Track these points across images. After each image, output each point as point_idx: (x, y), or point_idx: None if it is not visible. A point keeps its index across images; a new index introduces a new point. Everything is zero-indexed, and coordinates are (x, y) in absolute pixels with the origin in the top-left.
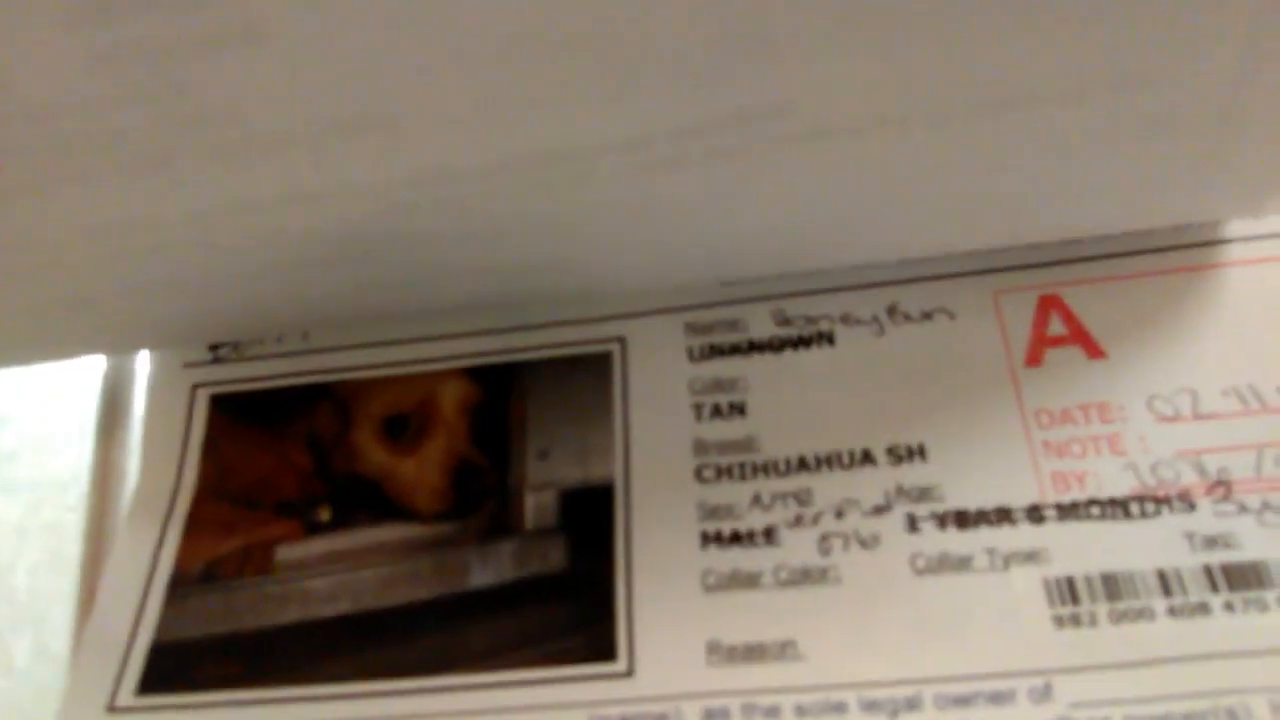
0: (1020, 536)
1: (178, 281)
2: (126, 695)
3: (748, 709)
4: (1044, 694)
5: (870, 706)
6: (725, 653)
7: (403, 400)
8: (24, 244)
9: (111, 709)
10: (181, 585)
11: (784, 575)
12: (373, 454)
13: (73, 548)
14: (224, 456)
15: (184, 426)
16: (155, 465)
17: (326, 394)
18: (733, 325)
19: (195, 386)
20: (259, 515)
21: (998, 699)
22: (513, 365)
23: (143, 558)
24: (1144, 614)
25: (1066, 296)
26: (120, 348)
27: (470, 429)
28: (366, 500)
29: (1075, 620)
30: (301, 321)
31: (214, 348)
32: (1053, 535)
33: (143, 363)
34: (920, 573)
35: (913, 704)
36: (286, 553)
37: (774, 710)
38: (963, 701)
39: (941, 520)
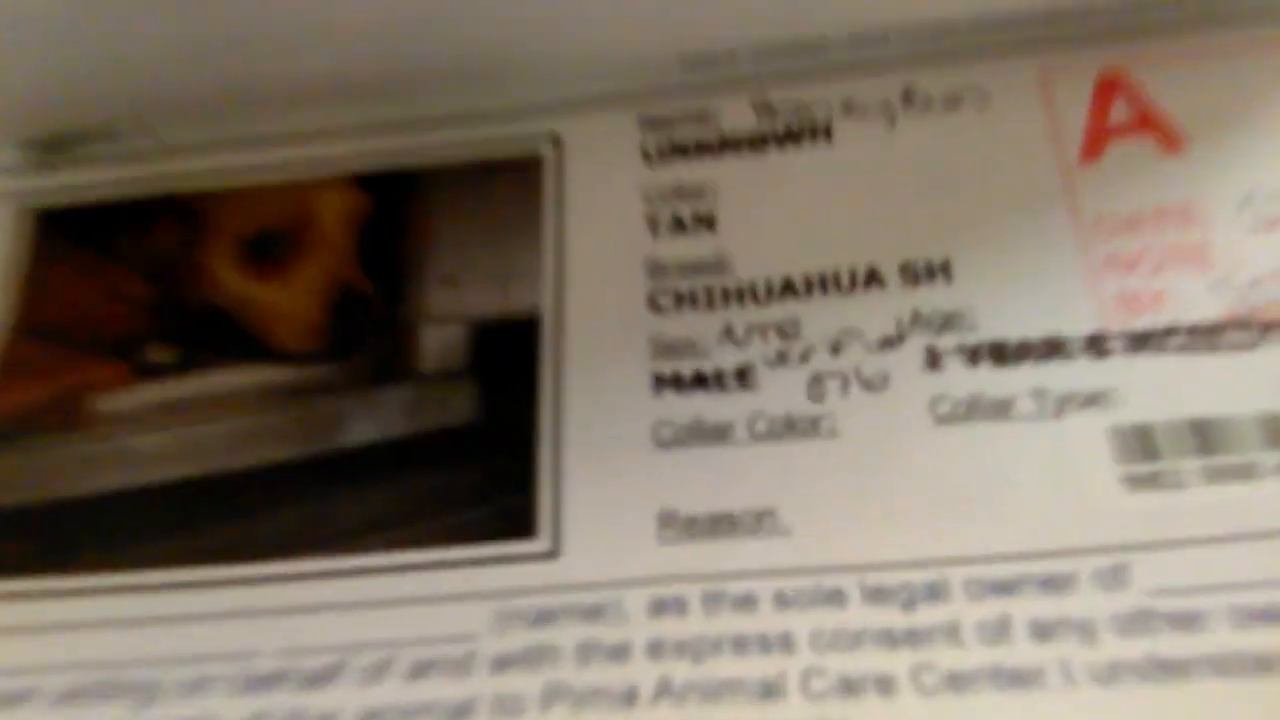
0: (1078, 374)
1: None
2: None
3: (712, 599)
4: (1115, 577)
5: (877, 595)
6: (682, 526)
7: (272, 213)
8: None
9: None
10: None
11: (762, 427)
12: (229, 279)
13: None
14: (45, 284)
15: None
16: None
17: (174, 207)
18: (701, 118)
19: (15, 198)
20: (77, 356)
21: (1052, 585)
22: (414, 171)
23: None
24: (1245, 473)
25: (1134, 75)
26: None
27: (357, 248)
28: (218, 337)
29: (1154, 481)
30: (142, 105)
31: (38, 149)
32: (1121, 372)
33: None
34: (944, 421)
35: (935, 591)
36: (109, 403)
37: (747, 600)
38: (1003, 588)
39: (973, 354)
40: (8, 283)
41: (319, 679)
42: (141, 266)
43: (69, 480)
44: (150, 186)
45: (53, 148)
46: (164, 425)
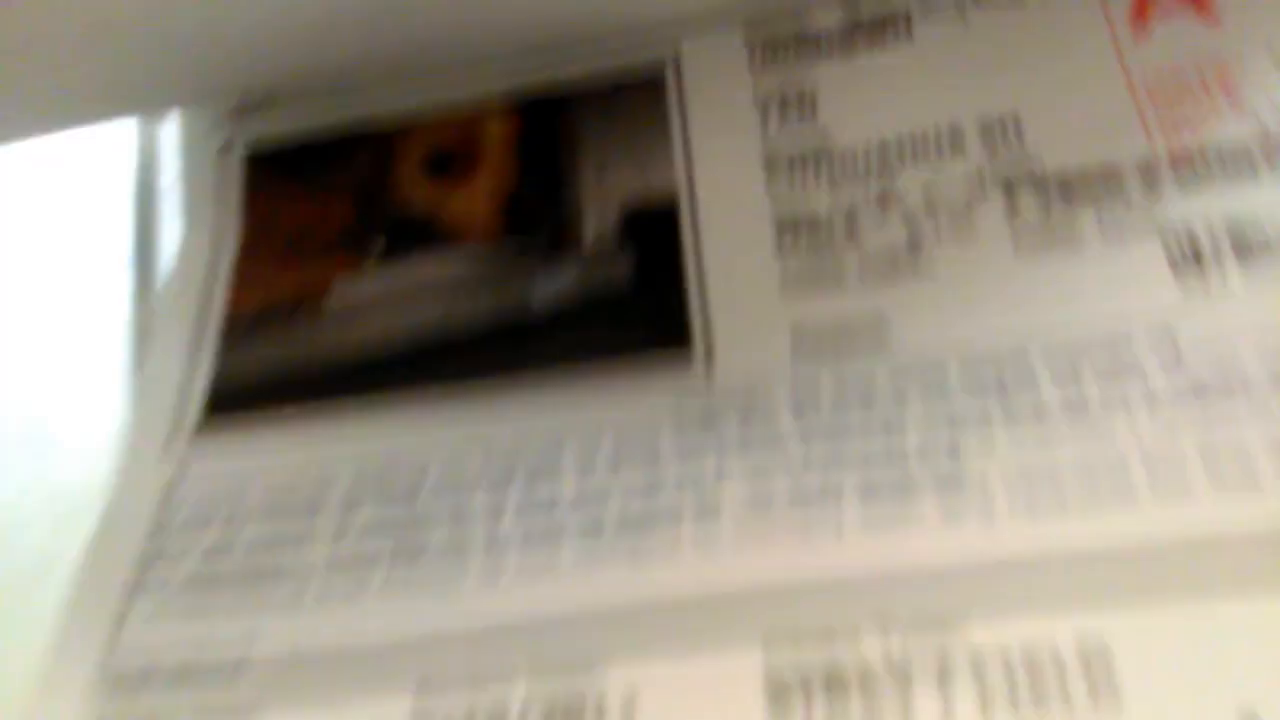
0: (1134, 200)
1: (200, 28)
2: (185, 434)
3: (840, 382)
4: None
5: (970, 363)
6: (812, 339)
7: (445, 137)
8: None
9: (168, 448)
10: (234, 331)
11: (870, 268)
12: (419, 191)
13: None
14: (264, 213)
15: (218, 186)
16: (194, 228)
17: (365, 140)
18: (795, 17)
19: (227, 143)
20: (306, 258)
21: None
22: (559, 97)
23: (190, 309)
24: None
25: None
26: (148, 103)
27: (519, 160)
28: (417, 239)
29: (1201, 276)
30: (333, 65)
31: (249, 104)
32: (1170, 196)
33: (172, 129)
34: (1023, 251)
35: (1018, 356)
36: (342, 291)
37: (866, 384)
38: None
39: (1041, 187)
40: (232, 213)
41: (543, 471)
42: (344, 189)
43: (316, 354)
44: (347, 127)
45: (262, 102)
46: (386, 308)
